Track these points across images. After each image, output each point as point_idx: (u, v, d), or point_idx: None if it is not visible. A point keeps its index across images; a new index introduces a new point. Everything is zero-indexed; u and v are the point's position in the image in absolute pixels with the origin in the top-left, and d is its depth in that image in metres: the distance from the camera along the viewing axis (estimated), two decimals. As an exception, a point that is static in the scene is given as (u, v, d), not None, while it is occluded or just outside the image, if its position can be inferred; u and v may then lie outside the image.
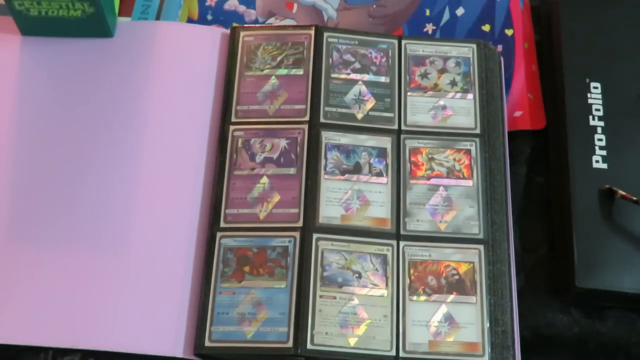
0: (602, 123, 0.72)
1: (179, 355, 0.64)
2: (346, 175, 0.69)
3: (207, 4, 0.81)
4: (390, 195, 0.68)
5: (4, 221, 0.68)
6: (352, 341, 0.63)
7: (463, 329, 0.63)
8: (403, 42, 0.75)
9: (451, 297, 0.64)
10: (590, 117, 0.72)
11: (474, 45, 0.74)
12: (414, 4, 0.81)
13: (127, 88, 0.72)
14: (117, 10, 0.76)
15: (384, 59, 0.74)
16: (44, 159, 0.70)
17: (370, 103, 0.72)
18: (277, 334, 0.63)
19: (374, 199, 0.68)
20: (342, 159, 0.69)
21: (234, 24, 0.78)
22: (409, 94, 0.72)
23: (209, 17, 0.80)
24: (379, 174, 0.69)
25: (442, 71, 0.73)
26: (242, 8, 0.81)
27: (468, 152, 0.70)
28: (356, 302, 0.64)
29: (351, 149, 0.70)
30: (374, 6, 0.81)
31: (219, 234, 0.67)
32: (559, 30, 0.77)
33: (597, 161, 0.70)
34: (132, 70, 0.73)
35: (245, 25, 0.79)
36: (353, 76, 0.73)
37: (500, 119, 0.72)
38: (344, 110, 0.71)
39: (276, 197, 0.68)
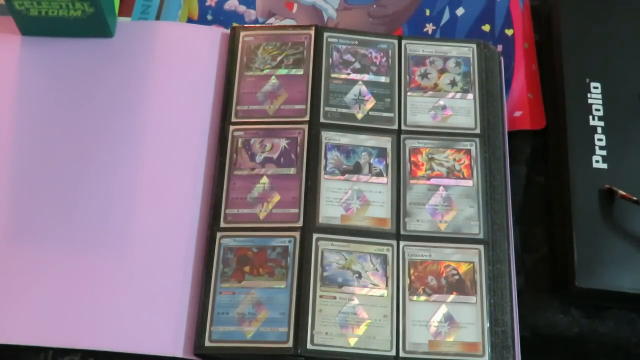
0: (602, 123, 0.72)
1: (179, 355, 0.64)
2: (346, 175, 0.69)
3: (207, 4, 0.81)
4: (390, 195, 0.68)
5: (3, 222, 0.68)
6: (352, 341, 0.63)
7: (463, 329, 0.63)
8: (403, 42, 0.75)
9: (451, 297, 0.64)
10: (590, 117, 0.72)
11: (474, 45, 0.74)
12: (414, 4, 0.81)
13: (127, 88, 0.72)
14: (117, 10, 0.76)
15: (384, 59, 0.74)
16: (44, 159, 0.70)
17: (370, 103, 0.72)
18: (277, 334, 0.63)
19: (374, 199, 0.68)
20: (342, 159, 0.69)
21: (234, 24, 0.78)
22: (409, 94, 0.72)
23: (209, 17, 0.80)
24: (379, 174, 0.69)
25: (442, 71, 0.73)
26: (242, 8, 0.81)
27: (468, 152, 0.70)
28: (356, 302, 0.64)
29: (351, 149, 0.70)
30: (374, 6, 0.81)
31: (219, 234, 0.67)
32: (559, 30, 0.77)
33: (597, 161, 0.70)
34: (132, 70, 0.73)
35: (245, 25, 0.79)
36: (353, 76, 0.73)
37: (500, 119, 0.72)
38: (344, 110, 0.71)
39: (276, 197, 0.68)
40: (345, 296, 0.64)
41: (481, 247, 0.66)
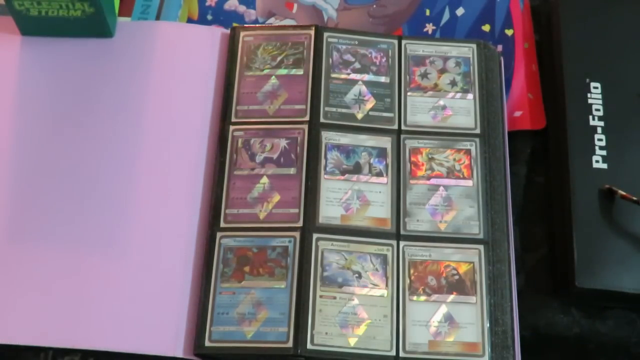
0: (602, 123, 0.72)
1: (179, 355, 0.64)
2: (346, 175, 0.69)
3: (207, 4, 0.81)
4: (390, 195, 0.68)
5: (3, 221, 0.68)
6: (352, 341, 0.63)
7: (463, 329, 0.63)
8: (403, 42, 0.75)
9: (451, 297, 0.64)
10: (590, 117, 0.72)
11: (474, 45, 0.74)
12: (414, 4, 0.81)
13: (127, 88, 0.72)
14: (117, 10, 0.76)
15: (384, 59, 0.74)
16: (43, 159, 0.70)
17: (370, 103, 0.72)
18: (277, 334, 0.63)
19: (374, 199, 0.68)
20: (342, 159, 0.69)
21: (234, 24, 0.78)
22: (409, 94, 0.72)
23: (209, 17, 0.80)
24: (379, 174, 0.69)
25: (442, 71, 0.73)
26: (242, 8, 0.81)
27: (468, 152, 0.70)
28: (356, 302, 0.64)
29: (351, 149, 0.70)
30: (374, 6, 0.81)
31: (219, 234, 0.67)
32: (559, 30, 0.77)
33: (597, 161, 0.70)
34: (132, 70, 0.73)
35: (245, 25, 0.79)
36: (353, 76, 0.73)
37: (500, 119, 0.72)
38: (344, 110, 0.71)
39: (276, 197, 0.68)
40: (345, 296, 0.64)
41: (481, 247, 0.66)
